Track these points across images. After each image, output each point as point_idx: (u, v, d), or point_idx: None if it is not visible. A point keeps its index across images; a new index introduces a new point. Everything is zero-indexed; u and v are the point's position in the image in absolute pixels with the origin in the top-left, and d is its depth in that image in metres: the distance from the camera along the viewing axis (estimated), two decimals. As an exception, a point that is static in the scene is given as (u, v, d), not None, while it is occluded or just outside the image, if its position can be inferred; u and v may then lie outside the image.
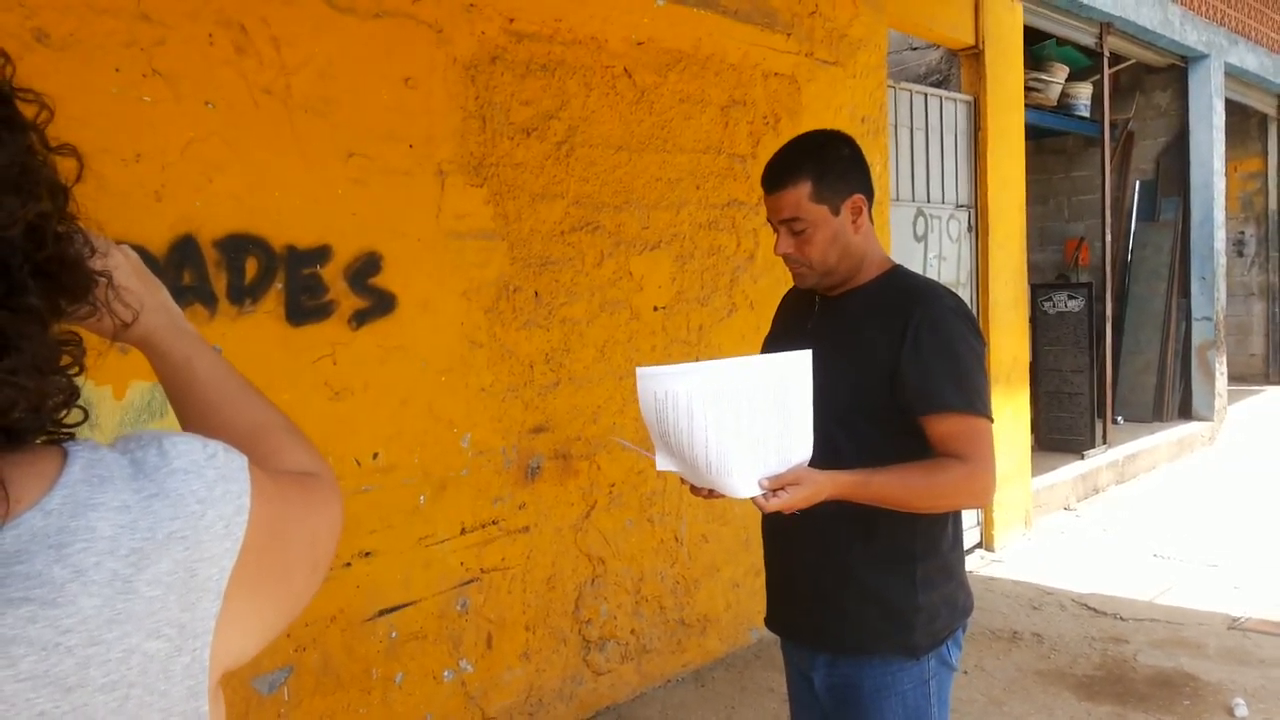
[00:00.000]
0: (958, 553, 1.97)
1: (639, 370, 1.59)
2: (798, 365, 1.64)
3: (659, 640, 4.05)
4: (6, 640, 0.58)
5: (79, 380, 0.70)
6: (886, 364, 1.80)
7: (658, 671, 4.05)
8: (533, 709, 3.59)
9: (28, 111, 0.66)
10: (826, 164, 1.87)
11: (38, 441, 0.66)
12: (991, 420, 1.82)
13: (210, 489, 0.68)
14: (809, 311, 2.00)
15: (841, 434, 1.81)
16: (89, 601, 0.60)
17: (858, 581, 1.86)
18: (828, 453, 1.72)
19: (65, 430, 0.70)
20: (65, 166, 0.69)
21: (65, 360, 0.68)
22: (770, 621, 2.10)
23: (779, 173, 1.89)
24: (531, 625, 3.58)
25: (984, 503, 1.83)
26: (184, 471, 0.67)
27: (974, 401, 1.79)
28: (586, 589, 3.77)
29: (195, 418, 0.88)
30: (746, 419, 1.56)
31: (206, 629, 0.67)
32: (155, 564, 0.63)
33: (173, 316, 0.91)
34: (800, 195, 1.85)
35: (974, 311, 5.84)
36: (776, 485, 1.61)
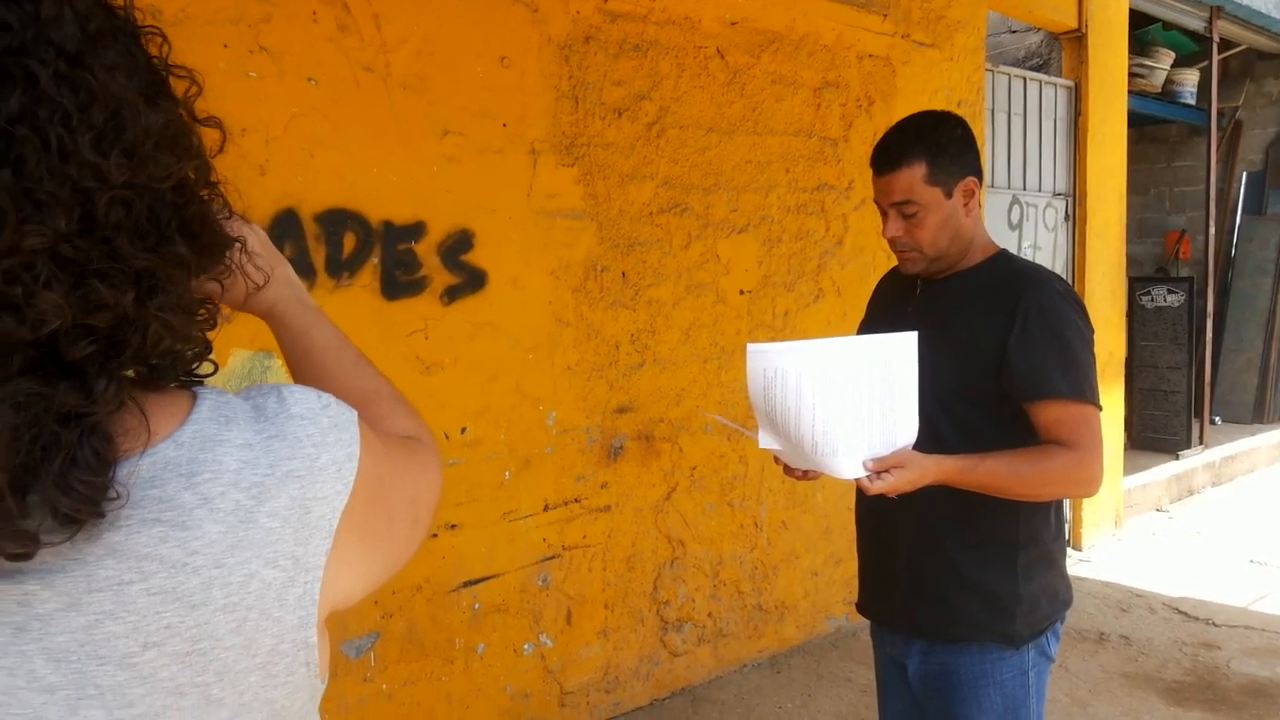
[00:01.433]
0: (1059, 542, 1.93)
1: (749, 346, 1.59)
2: (904, 347, 1.61)
3: (736, 625, 4.04)
4: (140, 556, 0.64)
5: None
6: (993, 349, 1.76)
7: (733, 656, 4.04)
8: (610, 686, 3.62)
9: (178, 86, 0.74)
10: (941, 145, 1.83)
11: (171, 386, 0.72)
12: (1100, 408, 1.77)
13: (324, 435, 0.73)
14: (909, 295, 1.96)
15: (944, 418, 1.78)
16: (214, 528, 0.66)
17: (957, 569, 1.84)
18: (930, 437, 1.69)
19: (196, 379, 0.75)
20: (210, 137, 0.76)
21: (202, 313, 0.74)
22: (863, 607, 2.07)
23: (892, 154, 1.84)
24: (610, 604, 3.61)
25: (1090, 491, 1.78)
26: (300, 417, 0.73)
27: (1082, 388, 1.74)
28: (665, 570, 3.78)
29: (311, 382, 0.91)
30: (854, 399, 1.54)
31: (318, 564, 0.72)
32: (274, 498, 0.69)
33: (295, 289, 0.97)
34: (914, 177, 1.81)
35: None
36: (881, 467, 1.59)
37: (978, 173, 1.88)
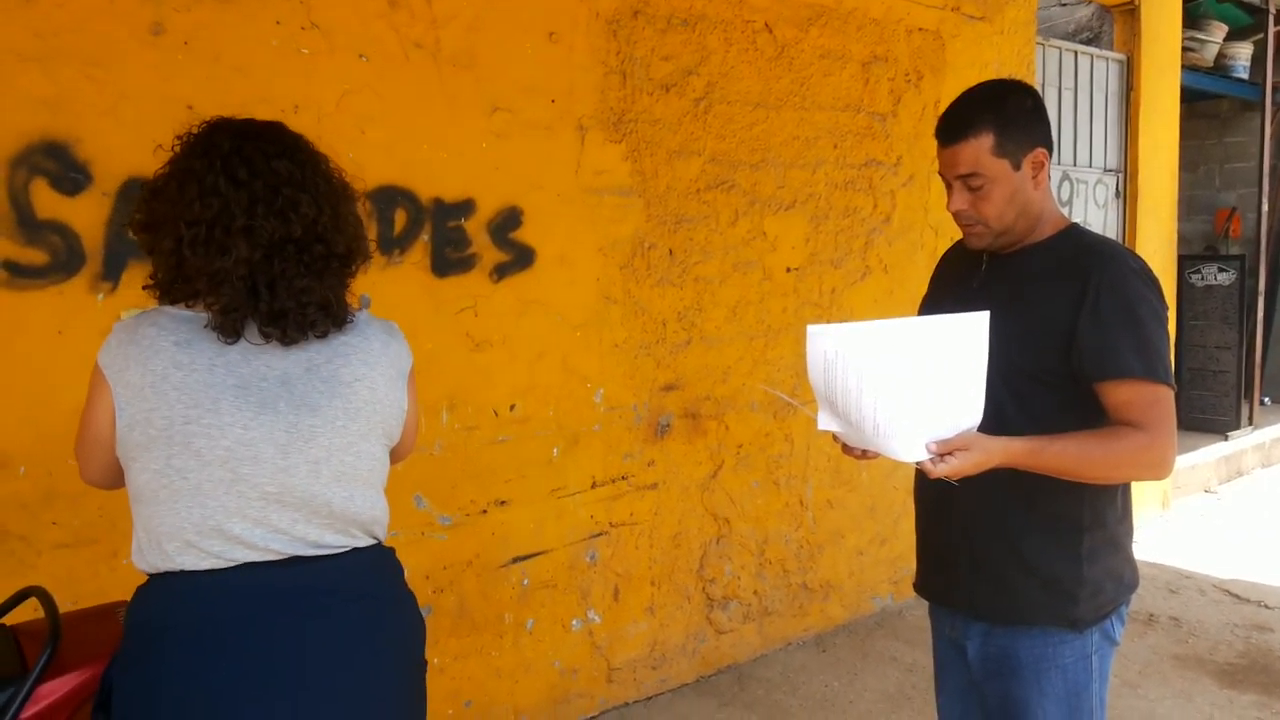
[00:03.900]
0: (1126, 525, 1.87)
1: (809, 328, 1.55)
2: (975, 328, 1.55)
3: (781, 603, 4.04)
4: (347, 380, 1.55)
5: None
6: (1063, 326, 1.70)
7: (779, 634, 4.04)
8: (656, 663, 3.63)
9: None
10: (1009, 115, 1.75)
11: None
12: (1174, 388, 1.71)
13: (405, 346, 1.67)
14: (975, 270, 1.89)
15: (1009, 398, 1.73)
16: (376, 355, 1.59)
17: (1019, 551, 1.79)
18: (993, 417, 1.63)
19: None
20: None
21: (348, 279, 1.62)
22: (921, 587, 2.04)
23: (958, 124, 1.77)
24: (657, 581, 3.61)
25: (1162, 474, 1.72)
26: (398, 333, 1.67)
27: (1156, 367, 1.67)
28: (711, 548, 3.78)
29: None
30: (918, 382, 1.49)
31: (404, 391, 1.65)
32: (393, 354, 1.62)
33: None
34: (981, 149, 1.74)
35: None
36: (945, 450, 1.54)
37: (1048, 144, 1.80)
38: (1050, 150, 1.82)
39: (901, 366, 1.49)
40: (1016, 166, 1.76)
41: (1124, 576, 1.86)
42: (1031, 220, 1.81)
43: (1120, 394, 1.67)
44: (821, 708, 3.59)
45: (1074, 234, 1.83)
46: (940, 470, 1.55)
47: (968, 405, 1.57)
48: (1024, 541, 1.79)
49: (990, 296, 1.74)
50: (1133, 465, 1.68)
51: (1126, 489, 1.87)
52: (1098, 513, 1.79)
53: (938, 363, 1.51)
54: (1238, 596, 4.64)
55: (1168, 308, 1.77)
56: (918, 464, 1.56)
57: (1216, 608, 4.53)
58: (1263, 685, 3.72)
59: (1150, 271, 1.78)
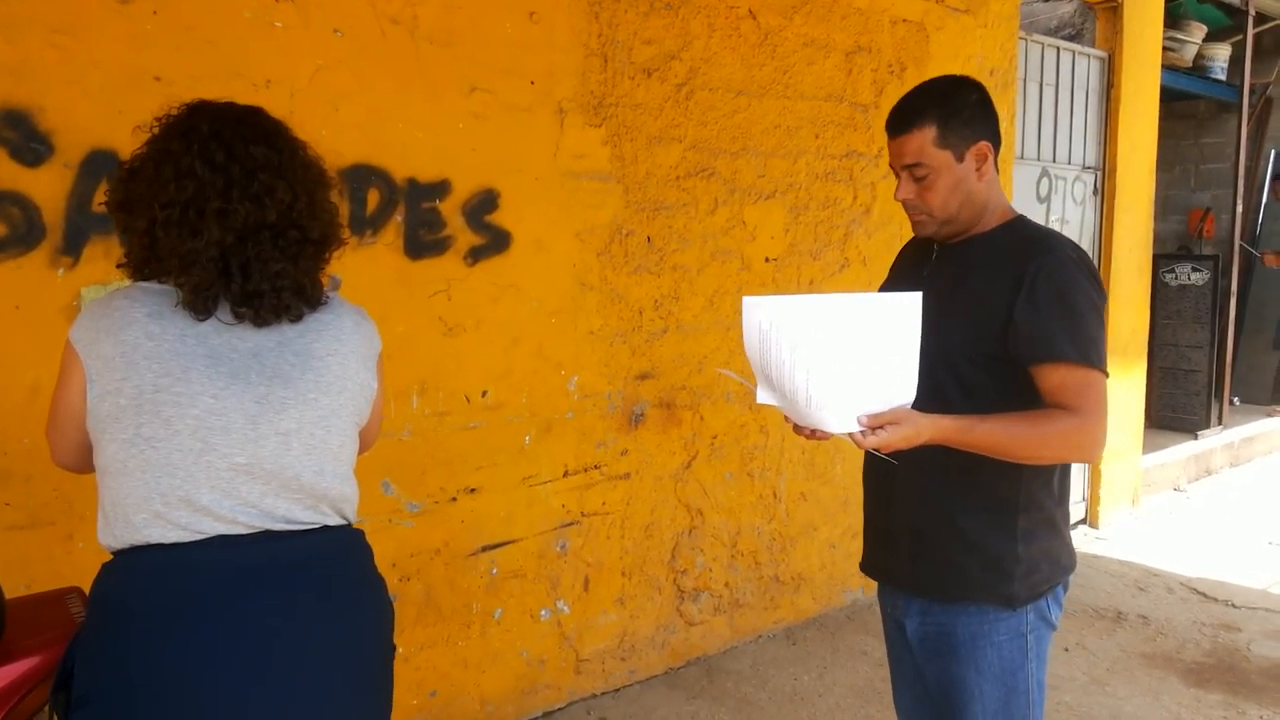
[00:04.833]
0: (1063, 508, 1.92)
1: (745, 299, 1.58)
2: (907, 307, 1.60)
3: (752, 595, 4.02)
4: (319, 355, 1.55)
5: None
6: (1001, 311, 1.75)
7: (749, 626, 4.02)
8: (625, 654, 3.60)
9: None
10: (953, 109, 1.82)
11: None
12: (1106, 374, 1.75)
13: (375, 330, 1.67)
14: (926, 259, 1.96)
15: (951, 380, 1.80)
16: (348, 333, 1.60)
17: (959, 530, 1.85)
18: (934, 398, 1.70)
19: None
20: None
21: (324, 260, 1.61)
22: (866, 566, 2.09)
23: (904, 116, 1.85)
24: (628, 571, 3.58)
25: (1091, 457, 1.77)
26: (369, 318, 1.67)
27: (1088, 353, 1.72)
28: (683, 539, 3.75)
29: None
30: (849, 355, 1.54)
31: (373, 373, 1.65)
32: (365, 334, 1.63)
33: None
34: (924, 140, 1.81)
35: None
36: (875, 424, 1.59)
37: (992, 138, 1.86)
38: (995, 144, 1.88)
39: (834, 340, 1.53)
40: (960, 159, 1.83)
41: (1060, 558, 1.91)
42: (976, 211, 1.86)
43: (1053, 378, 1.72)
44: (791, 701, 3.57)
45: (1018, 225, 1.89)
46: (870, 442, 1.59)
47: (900, 383, 1.61)
48: (962, 521, 1.84)
49: (937, 283, 1.83)
50: (1062, 446, 1.73)
51: (1064, 473, 1.91)
52: (1033, 494, 1.83)
53: (869, 339, 1.56)
54: (1205, 595, 4.67)
55: (1105, 298, 1.83)
56: (849, 436, 1.60)
57: (1184, 606, 4.55)
58: (1229, 685, 3.74)
59: (1089, 262, 1.83)
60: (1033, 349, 1.73)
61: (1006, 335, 1.75)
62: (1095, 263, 5.60)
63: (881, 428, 1.59)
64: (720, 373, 3.69)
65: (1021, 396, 1.75)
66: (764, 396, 1.65)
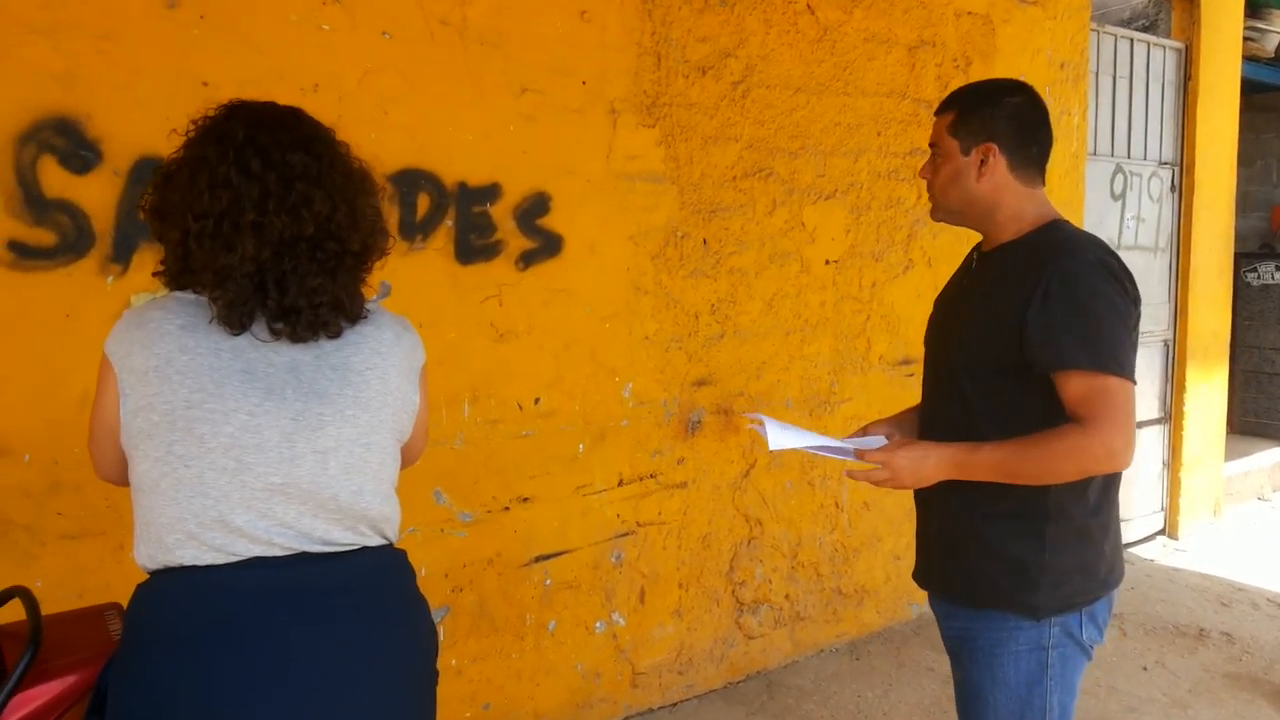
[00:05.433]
0: (1101, 519, 1.84)
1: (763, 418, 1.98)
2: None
3: (814, 608, 3.90)
4: (358, 369, 1.48)
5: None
6: (1016, 318, 1.74)
7: (811, 640, 3.90)
8: (682, 668, 3.51)
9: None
10: (977, 103, 1.88)
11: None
12: (1128, 379, 1.69)
13: (419, 342, 1.60)
14: (969, 267, 1.99)
15: (971, 387, 1.82)
16: (389, 345, 1.52)
17: (983, 537, 1.84)
18: (957, 406, 1.80)
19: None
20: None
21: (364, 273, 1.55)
22: (915, 574, 2.11)
23: (946, 98, 1.95)
24: (685, 583, 3.49)
25: (1114, 466, 1.71)
26: (412, 328, 1.60)
27: (1104, 358, 1.68)
28: (742, 550, 3.65)
29: None
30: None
31: (416, 387, 1.59)
32: (407, 347, 1.56)
33: None
34: (944, 123, 1.89)
35: (1169, 276, 5.38)
36: (873, 459, 1.79)
37: (1010, 146, 1.85)
38: (1013, 153, 1.85)
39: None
40: (965, 152, 1.86)
41: (1097, 572, 1.84)
42: (980, 212, 1.88)
43: (1069, 386, 1.71)
44: (854, 719, 3.45)
45: (1047, 230, 1.86)
46: (878, 478, 1.79)
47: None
48: (989, 528, 1.84)
49: (973, 292, 1.92)
50: (1077, 458, 1.69)
51: (1107, 483, 1.85)
52: (1062, 503, 1.80)
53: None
54: (1295, 611, 4.44)
55: (1135, 301, 1.77)
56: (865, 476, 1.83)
57: (1272, 623, 4.32)
58: (1323, 707, 3.53)
59: (1114, 266, 1.76)
60: (1046, 356, 1.72)
61: (1022, 343, 1.73)
62: (1173, 262, 5.40)
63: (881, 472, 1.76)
64: (749, 419, 3.60)
65: (1046, 402, 1.73)
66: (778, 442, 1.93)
